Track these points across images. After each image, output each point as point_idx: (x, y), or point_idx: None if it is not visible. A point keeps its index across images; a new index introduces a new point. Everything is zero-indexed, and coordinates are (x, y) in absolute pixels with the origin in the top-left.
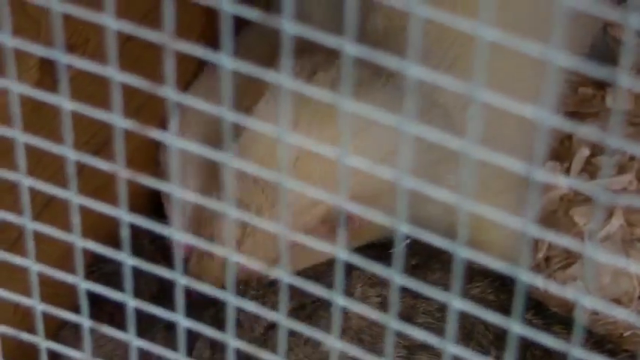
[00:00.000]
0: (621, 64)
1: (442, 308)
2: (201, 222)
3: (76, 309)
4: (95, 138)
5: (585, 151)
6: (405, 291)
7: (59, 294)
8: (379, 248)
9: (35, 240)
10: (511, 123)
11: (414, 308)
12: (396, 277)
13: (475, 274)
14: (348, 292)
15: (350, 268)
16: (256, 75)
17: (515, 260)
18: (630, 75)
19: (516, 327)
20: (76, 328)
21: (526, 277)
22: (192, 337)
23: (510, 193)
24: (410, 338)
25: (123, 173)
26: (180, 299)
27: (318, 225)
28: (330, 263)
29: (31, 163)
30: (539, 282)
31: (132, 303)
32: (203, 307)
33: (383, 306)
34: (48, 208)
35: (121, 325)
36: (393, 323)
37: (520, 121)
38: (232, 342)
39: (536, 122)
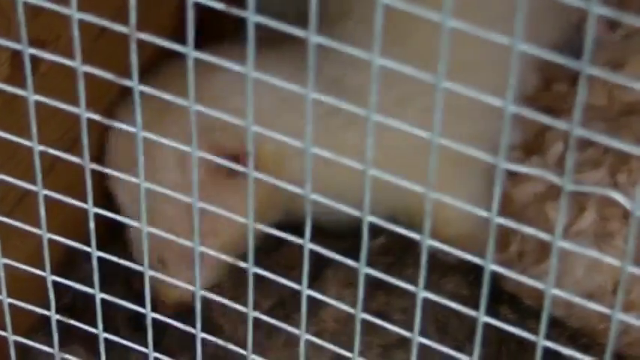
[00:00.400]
0: (585, 50)
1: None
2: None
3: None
4: (68, 134)
5: (559, 146)
6: (379, 288)
7: (30, 291)
8: (352, 241)
9: (6, 236)
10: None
11: (388, 305)
12: (362, 267)
13: (448, 268)
14: (322, 293)
15: (323, 268)
16: (221, 64)
17: (481, 247)
18: (602, 68)
19: (482, 315)
20: (47, 335)
21: (491, 265)
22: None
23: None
24: (385, 337)
25: (88, 164)
26: (147, 292)
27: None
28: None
29: (3, 159)
30: (504, 270)
31: (99, 296)
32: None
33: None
34: (20, 205)
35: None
36: (360, 313)
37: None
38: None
39: (501, 110)
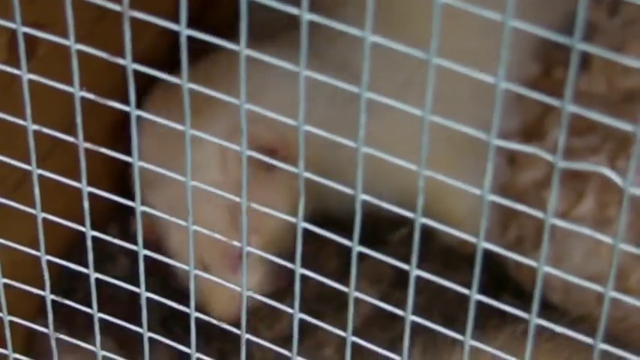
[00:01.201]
0: (576, 26)
1: (432, 298)
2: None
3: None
4: (67, 118)
5: (558, 132)
6: (396, 287)
7: (32, 279)
8: (374, 235)
9: (3, 222)
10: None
11: (402, 302)
12: (355, 246)
13: (459, 260)
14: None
15: (348, 266)
16: (217, 46)
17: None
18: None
19: (475, 293)
20: (57, 322)
21: (483, 242)
22: None
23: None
24: (393, 331)
25: (82, 143)
26: (142, 272)
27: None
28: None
29: (1, 142)
30: (497, 249)
31: (94, 275)
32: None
33: (382, 301)
34: (18, 190)
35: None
36: (353, 291)
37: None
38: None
39: (493, 88)
